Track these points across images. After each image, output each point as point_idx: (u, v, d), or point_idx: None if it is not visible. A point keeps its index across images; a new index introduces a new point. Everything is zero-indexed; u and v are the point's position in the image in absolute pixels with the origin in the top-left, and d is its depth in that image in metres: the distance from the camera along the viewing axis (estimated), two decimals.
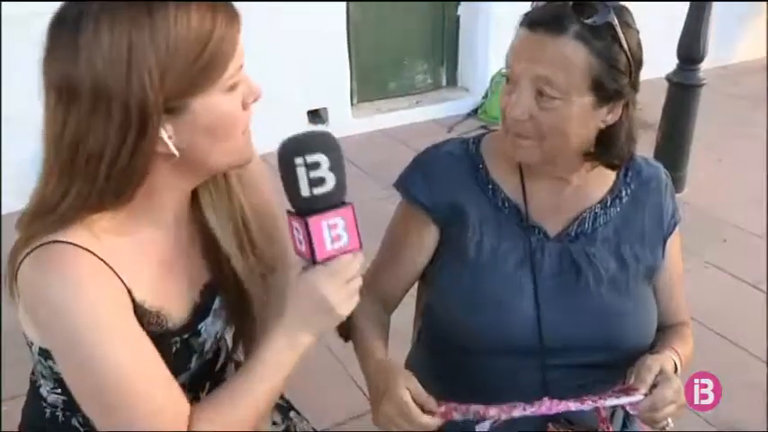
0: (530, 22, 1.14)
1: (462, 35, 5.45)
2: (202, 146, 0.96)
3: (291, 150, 0.96)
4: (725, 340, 2.83)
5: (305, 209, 0.97)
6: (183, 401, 1.00)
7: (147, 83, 0.87)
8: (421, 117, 5.20)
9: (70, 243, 0.92)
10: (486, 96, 5.26)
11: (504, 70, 1.18)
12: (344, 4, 4.70)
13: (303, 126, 4.53)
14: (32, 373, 1.16)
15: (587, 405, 1.11)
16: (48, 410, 1.11)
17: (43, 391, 1.10)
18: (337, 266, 0.98)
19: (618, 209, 1.28)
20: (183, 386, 1.04)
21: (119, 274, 0.95)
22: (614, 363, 1.26)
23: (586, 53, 1.10)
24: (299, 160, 0.96)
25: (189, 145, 0.95)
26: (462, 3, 5.35)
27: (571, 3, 1.10)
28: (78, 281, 0.91)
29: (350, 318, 1.09)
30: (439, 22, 5.37)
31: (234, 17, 0.95)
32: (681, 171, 3.94)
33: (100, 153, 0.89)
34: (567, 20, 1.10)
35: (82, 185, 0.91)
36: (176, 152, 0.93)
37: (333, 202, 0.98)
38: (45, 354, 1.02)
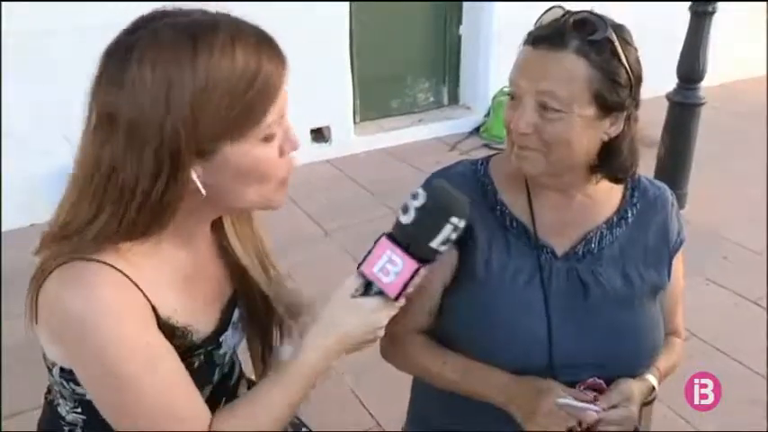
0: (533, 39, 1.18)
1: (464, 54, 5.51)
2: (230, 187, 0.97)
3: (453, 208, 0.99)
4: (726, 356, 2.84)
5: (420, 255, 1.00)
6: (204, 412, 1.02)
7: (182, 127, 0.88)
8: (423, 135, 5.24)
9: (94, 259, 0.93)
10: (488, 115, 5.30)
11: (506, 88, 1.22)
12: (347, 22, 4.76)
13: (306, 144, 4.56)
14: (48, 392, 1.16)
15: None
16: (66, 428, 1.11)
17: (62, 410, 1.11)
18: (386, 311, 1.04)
19: (623, 229, 1.31)
20: (205, 400, 1.05)
21: (143, 291, 0.96)
22: None
23: (586, 66, 1.14)
24: (454, 220, 0.99)
25: (217, 185, 0.96)
26: (464, 22, 5.40)
27: (572, 20, 1.15)
28: (101, 294, 0.91)
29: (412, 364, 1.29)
30: (441, 41, 5.43)
31: (280, 64, 0.95)
32: (682, 189, 3.97)
33: (133, 187, 0.90)
34: (568, 36, 1.14)
35: (112, 214, 0.92)
36: (203, 191, 0.94)
37: (433, 258, 1.02)
38: (67, 375, 1.03)
